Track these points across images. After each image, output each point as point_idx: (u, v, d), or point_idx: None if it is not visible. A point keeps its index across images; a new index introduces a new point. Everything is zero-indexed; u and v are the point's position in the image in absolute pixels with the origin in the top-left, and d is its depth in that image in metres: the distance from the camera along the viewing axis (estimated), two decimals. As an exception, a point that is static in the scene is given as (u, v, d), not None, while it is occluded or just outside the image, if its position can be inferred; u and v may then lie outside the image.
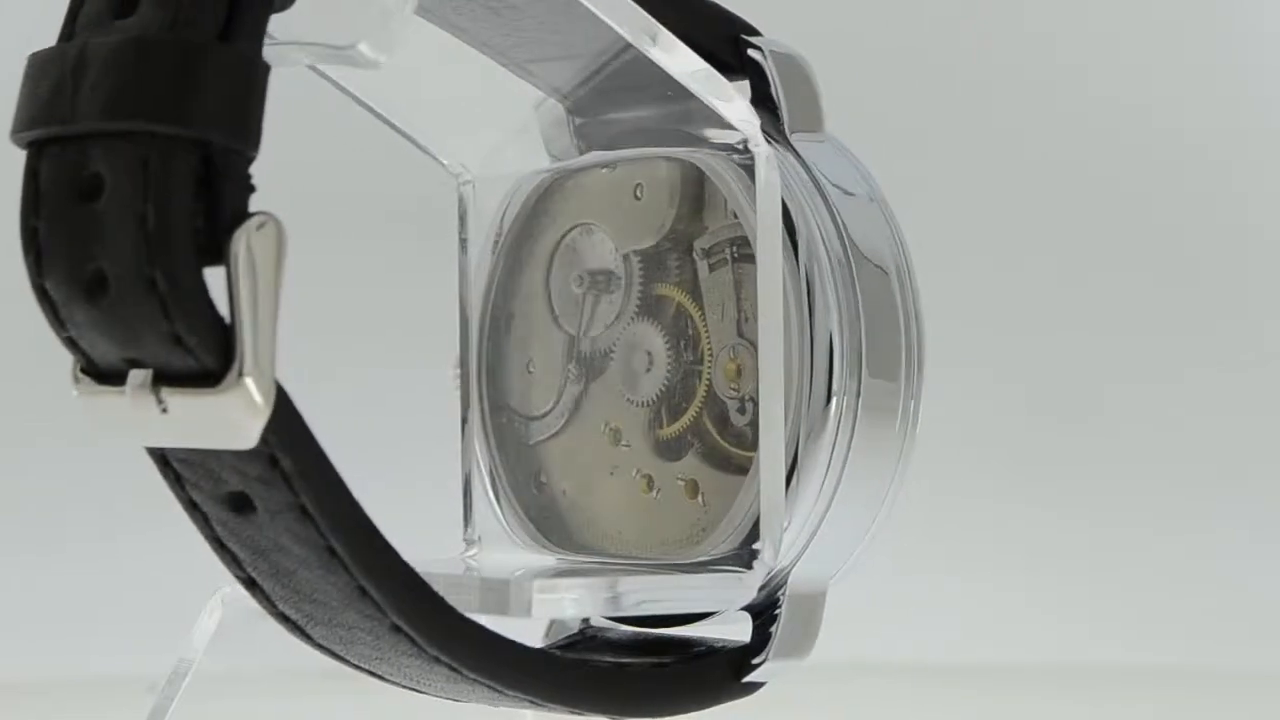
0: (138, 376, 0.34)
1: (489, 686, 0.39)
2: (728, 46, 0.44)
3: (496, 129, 0.47)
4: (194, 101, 0.34)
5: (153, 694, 0.45)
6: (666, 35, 0.41)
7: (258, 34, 0.35)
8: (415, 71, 0.44)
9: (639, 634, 0.45)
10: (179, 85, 0.34)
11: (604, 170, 0.45)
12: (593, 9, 0.40)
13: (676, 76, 0.41)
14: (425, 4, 0.41)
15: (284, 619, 0.39)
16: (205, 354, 0.34)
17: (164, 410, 0.34)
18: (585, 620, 0.45)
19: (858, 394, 0.42)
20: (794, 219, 0.42)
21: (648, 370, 0.45)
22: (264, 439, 0.34)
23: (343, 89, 0.45)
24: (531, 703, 0.40)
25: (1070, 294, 0.73)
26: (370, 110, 0.46)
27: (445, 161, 0.48)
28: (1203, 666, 0.69)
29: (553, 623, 0.46)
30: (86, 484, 0.53)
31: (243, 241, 0.34)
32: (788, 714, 0.46)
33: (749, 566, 0.42)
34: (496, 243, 0.47)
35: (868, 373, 0.42)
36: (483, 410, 0.48)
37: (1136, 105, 0.75)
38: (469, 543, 0.48)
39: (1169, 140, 0.75)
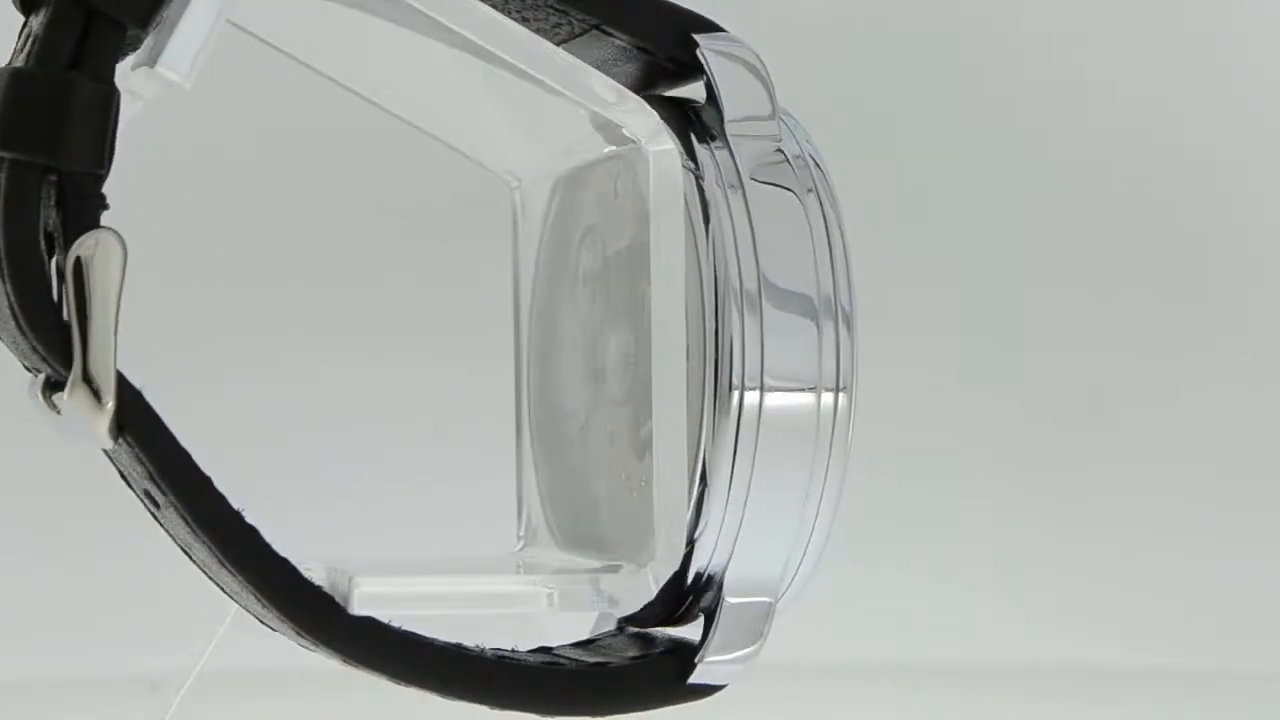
0: (38, 383, 0.38)
1: (386, 676, 0.41)
2: (681, 46, 0.43)
3: (564, 131, 0.47)
4: (36, 129, 0.37)
5: (154, 693, 0.45)
6: (537, 46, 0.42)
7: (106, 64, 0.38)
8: (457, 86, 0.45)
9: (655, 634, 0.45)
10: (21, 114, 0.37)
11: (600, 166, 0.46)
12: (443, 22, 0.41)
13: (558, 86, 0.42)
14: (425, 28, 0.42)
15: (245, 608, 0.42)
16: (56, 362, 0.37)
17: (58, 413, 0.38)
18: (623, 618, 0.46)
19: (761, 388, 0.41)
20: (710, 219, 0.42)
21: (625, 370, 0.45)
22: (125, 440, 0.37)
23: (380, 106, 0.46)
24: (435, 692, 0.41)
25: (1064, 295, 0.73)
26: (418, 129, 0.47)
27: (496, 169, 0.49)
28: (1200, 667, 0.69)
29: (598, 620, 0.46)
30: (87, 484, 0.53)
31: (74, 256, 0.37)
32: (783, 714, 0.47)
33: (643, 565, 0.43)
34: (539, 244, 0.48)
35: (774, 368, 0.42)
36: (530, 409, 0.48)
37: (1134, 106, 0.75)
38: (520, 539, 0.49)
39: (1174, 141, 0.75)
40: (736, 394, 0.41)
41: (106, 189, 0.39)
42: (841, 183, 0.45)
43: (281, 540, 0.41)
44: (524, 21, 0.42)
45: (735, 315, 0.41)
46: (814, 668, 0.43)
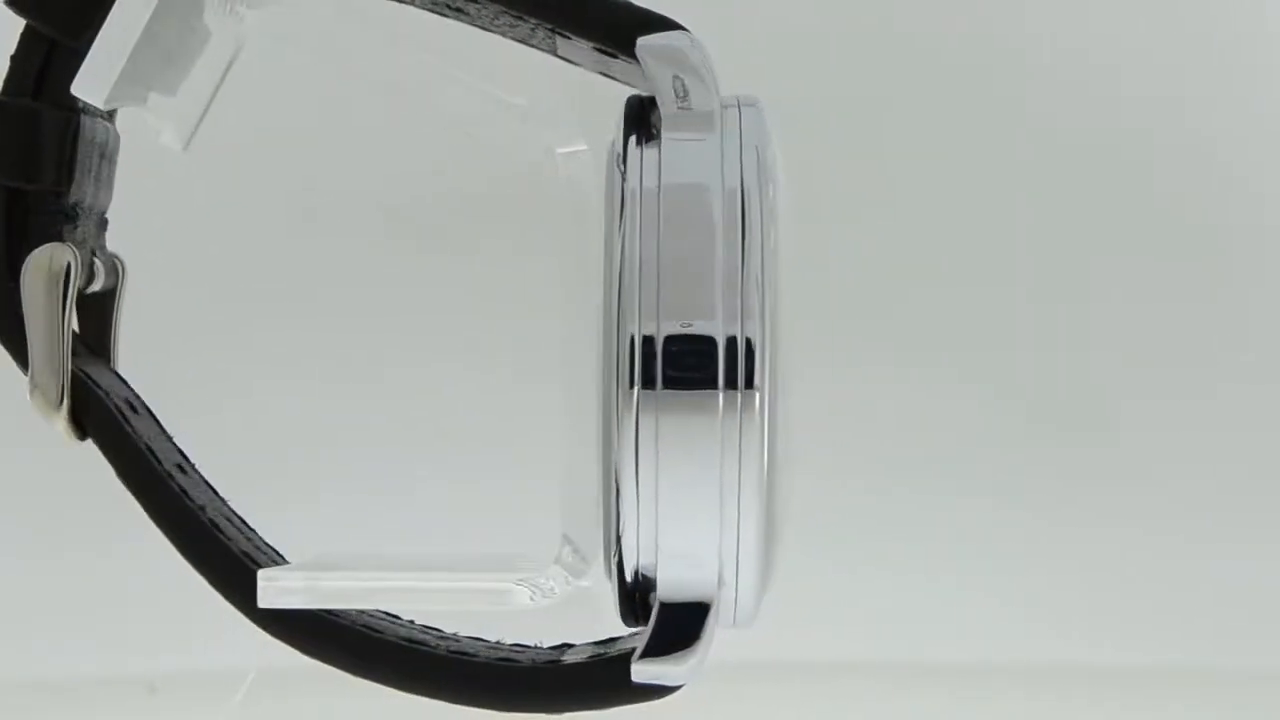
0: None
1: (342, 670, 0.42)
2: (629, 46, 0.43)
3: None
4: (6, 157, 0.41)
5: (153, 695, 0.46)
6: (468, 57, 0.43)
7: (67, 91, 0.41)
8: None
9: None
10: None
11: (568, 165, 0.46)
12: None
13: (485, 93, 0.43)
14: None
15: None
16: (21, 366, 0.41)
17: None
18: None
19: (657, 385, 0.41)
20: (624, 218, 0.42)
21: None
22: (91, 440, 0.41)
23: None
24: (390, 686, 0.42)
25: (1058, 293, 0.73)
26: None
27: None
28: (1196, 666, 0.69)
29: None
30: (86, 484, 0.53)
31: (28, 267, 0.41)
32: (771, 713, 0.47)
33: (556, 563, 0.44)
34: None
35: (678, 368, 0.41)
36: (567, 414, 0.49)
37: (1135, 105, 0.75)
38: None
39: (1173, 139, 0.75)
40: (635, 392, 0.41)
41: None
42: (833, 180, 0.45)
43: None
44: (510, 28, 0.43)
45: (635, 312, 0.41)
46: (802, 667, 0.43)
